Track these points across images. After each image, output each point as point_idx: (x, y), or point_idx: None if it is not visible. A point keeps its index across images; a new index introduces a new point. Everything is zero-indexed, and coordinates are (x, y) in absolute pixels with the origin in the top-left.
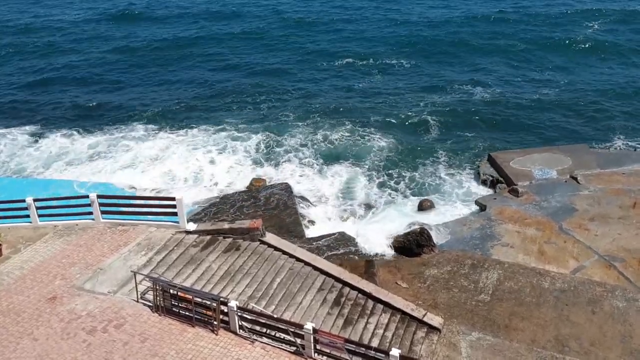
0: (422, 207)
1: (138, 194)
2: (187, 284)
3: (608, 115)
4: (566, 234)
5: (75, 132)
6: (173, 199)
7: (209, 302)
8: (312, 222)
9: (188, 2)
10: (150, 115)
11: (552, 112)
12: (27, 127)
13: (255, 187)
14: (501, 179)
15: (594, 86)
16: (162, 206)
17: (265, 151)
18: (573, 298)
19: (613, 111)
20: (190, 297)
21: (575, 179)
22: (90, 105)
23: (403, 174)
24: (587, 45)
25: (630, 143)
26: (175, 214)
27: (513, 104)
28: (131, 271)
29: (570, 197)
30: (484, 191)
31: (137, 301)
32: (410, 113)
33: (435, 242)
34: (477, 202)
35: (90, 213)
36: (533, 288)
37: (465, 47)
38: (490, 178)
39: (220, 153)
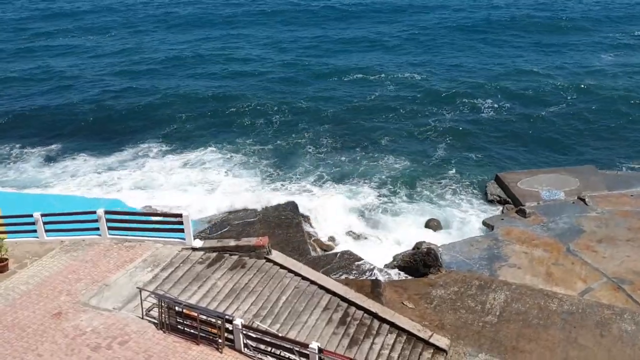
0: (429, 226)
1: (145, 210)
2: (193, 301)
3: (616, 136)
4: (574, 255)
5: (85, 149)
6: (180, 215)
7: (214, 320)
8: (318, 241)
9: (195, 17)
10: (160, 133)
11: (559, 132)
12: (37, 143)
13: (262, 205)
14: (509, 199)
15: (604, 104)
16: (168, 223)
17: (273, 169)
18: (581, 320)
19: (621, 132)
20: (196, 314)
21: (583, 200)
22: (100, 122)
23: (410, 193)
24: (602, 61)
25: (637, 165)
26: (181, 230)
27: (520, 122)
28: (137, 287)
29: (578, 218)
30: (491, 211)
31: (142, 318)
32: (419, 130)
33: (442, 262)
34: (484, 223)
35: (97, 229)
36: (540, 310)
37: (475, 59)
38: (498, 198)
39: (230, 171)
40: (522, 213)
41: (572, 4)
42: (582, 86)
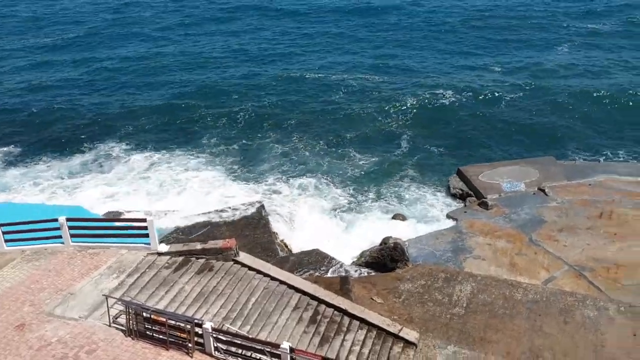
0: (395, 221)
1: (109, 216)
2: (161, 306)
3: (572, 127)
4: (536, 245)
5: (45, 154)
6: (144, 220)
7: (183, 324)
8: (285, 240)
9: (158, 20)
10: (123, 135)
11: (517, 125)
12: None
13: (229, 206)
14: (471, 192)
15: (560, 97)
16: (133, 228)
17: (240, 170)
18: (545, 309)
19: (576, 124)
20: (164, 319)
21: (543, 190)
22: (61, 126)
23: (375, 189)
24: (556, 56)
25: (593, 155)
26: (146, 235)
27: (479, 117)
28: (102, 295)
29: (539, 208)
30: (454, 205)
31: (110, 325)
32: (382, 127)
33: (408, 256)
34: (448, 216)
35: (60, 237)
36: (506, 300)
37: (434, 57)
38: (460, 192)
39: (196, 172)
40: (484, 205)
41: (527, 1)
42: (537, 81)
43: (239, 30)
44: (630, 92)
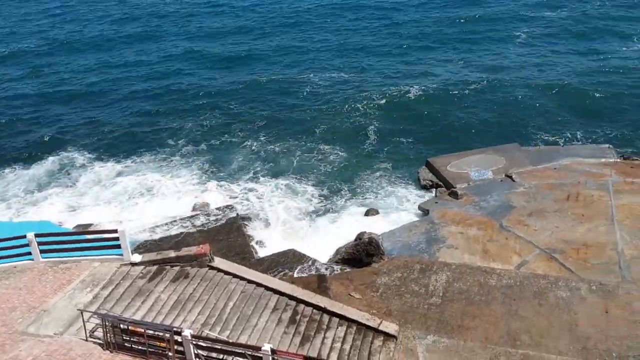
0: (369, 216)
1: (79, 229)
2: (137, 317)
3: (534, 115)
4: (507, 231)
5: (7, 167)
6: (115, 231)
7: (161, 334)
8: (260, 242)
9: (114, 25)
10: (88, 144)
11: (482, 113)
12: None
13: (200, 211)
14: (440, 182)
15: (519, 88)
16: (104, 239)
17: (208, 174)
18: (519, 293)
19: (538, 111)
20: (142, 330)
21: (510, 177)
22: (22, 137)
23: (347, 185)
24: (515, 49)
25: (555, 140)
26: (118, 246)
27: (445, 109)
28: (77, 309)
29: (507, 195)
30: (425, 196)
31: (87, 340)
32: (350, 124)
33: (383, 250)
34: (420, 207)
35: (29, 253)
36: (481, 286)
37: (401, 50)
38: (430, 183)
39: (164, 178)
40: (454, 195)
41: None
42: (497, 74)
43: (200, 33)
44: (582, 80)
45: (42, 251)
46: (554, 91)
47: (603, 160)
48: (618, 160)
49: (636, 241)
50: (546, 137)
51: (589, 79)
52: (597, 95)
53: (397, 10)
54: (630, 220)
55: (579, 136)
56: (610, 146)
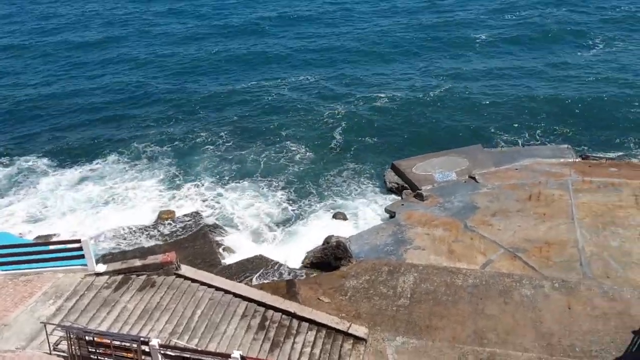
0: (336, 220)
1: (40, 239)
2: (103, 328)
3: (496, 115)
4: (472, 231)
5: None
6: (79, 241)
7: (128, 344)
8: (228, 248)
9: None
10: (48, 149)
11: (445, 116)
12: None
13: (165, 218)
14: (406, 185)
15: (481, 88)
16: (67, 250)
17: (174, 180)
18: (485, 292)
19: (500, 111)
20: (108, 341)
21: (473, 178)
22: None
23: (314, 189)
24: (475, 49)
25: (517, 139)
26: (82, 256)
27: (408, 112)
28: (40, 322)
29: (471, 195)
30: (392, 198)
31: (50, 353)
32: (317, 128)
33: (351, 253)
34: (386, 210)
35: None
36: (448, 286)
37: (364, 56)
38: (396, 185)
39: (128, 185)
40: (419, 197)
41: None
42: (460, 78)
43: (164, 39)
44: (539, 84)
45: (0, 263)
46: (513, 94)
47: (562, 160)
48: (577, 160)
49: (596, 238)
50: (507, 138)
51: (547, 83)
52: (555, 97)
53: (362, 19)
54: (589, 218)
55: (538, 137)
56: (569, 146)
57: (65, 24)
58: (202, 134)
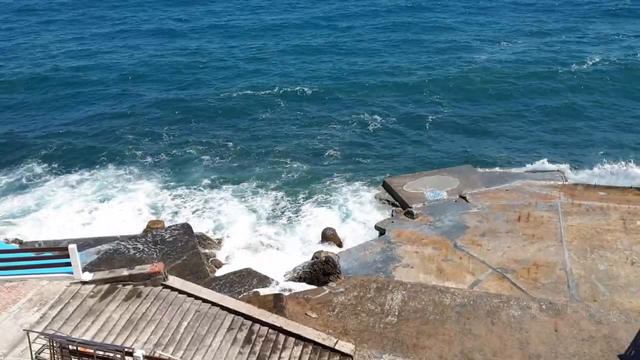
0: (325, 235)
1: (27, 245)
2: (88, 337)
3: (488, 135)
4: (461, 250)
5: None
6: (65, 248)
7: (112, 354)
8: (216, 261)
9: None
10: (37, 156)
11: (437, 135)
12: None
13: (154, 229)
14: (397, 202)
15: (475, 108)
16: (53, 257)
17: (165, 189)
18: (473, 311)
19: (493, 132)
20: (92, 351)
21: (464, 198)
22: None
23: (305, 203)
24: (470, 69)
25: (509, 161)
26: (68, 264)
27: (403, 130)
28: (23, 330)
29: (461, 215)
30: (382, 215)
31: None
32: (310, 141)
33: (340, 269)
34: (376, 227)
35: None
36: (436, 305)
37: (363, 74)
38: (387, 202)
39: (118, 194)
40: (410, 215)
41: (446, 10)
42: (452, 97)
43: (159, 46)
44: (534, 104)
45: None
46: (508, 114)
47: (552, 182)
48: (566, 183)
49: (583, 261)
50: (498, 159)
51: (542, 103)
52: (549, 119)
53: (358, 36)
54: (577, 240)
55: (529, 158)
56: (559, 169)
57: (62, 32)
58: (194, 144)
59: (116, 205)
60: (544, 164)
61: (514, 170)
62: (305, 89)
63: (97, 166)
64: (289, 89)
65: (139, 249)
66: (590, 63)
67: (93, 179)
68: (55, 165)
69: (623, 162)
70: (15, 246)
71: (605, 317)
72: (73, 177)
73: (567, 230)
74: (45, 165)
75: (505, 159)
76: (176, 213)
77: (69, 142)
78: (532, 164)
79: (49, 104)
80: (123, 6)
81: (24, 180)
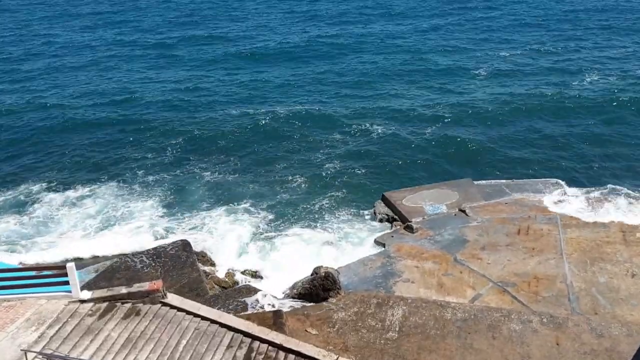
0: (325, 250)
1: (25, 265)
2: (86, 356)
3: (487, 148)
4: (461, 264)
5: None
6: (63, 267)
7: None
8: (215, 277)
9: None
10: (40, 172)
11: (436, 149)
12: None
13: (154, 246)
14: (396, 216)
15: (473, 121)
16: (51, 276)
17: (164, 206)
18: (474, 326)
19: (491, 145)
20: None
21: (463, 211)
22: None
23: (304, 218)
24: (471, 82)
25: (506, 175)
26: (67, 282)
27: (401, 144)
28: (21, 350)
29: (461, 229)
30: (381, 230)
31: None
32: (309, 156)
33: (340, 284)
34: (376, 242)
35: None
36: (437, 320)
37: (360, 84)
38: (386, 217)
39: (116, 211)
40: (409, 229)
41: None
42: (452, 111)
43: (161, 62)
44: (533, 116)
45: None
46: (506, 128)
47: (551, 195)
48: (564, 196)
49: (584, 274)
50: (497, 172)
51: (541, 116)
52: (548, 131)
53: (361, 49)
54: (577, 253)
55: (528, 171)
56: (558, 181)
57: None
58: (196, 162)
59: (116, 223)
60: (543, 177)
61: (513, 183)
62: (306, 105)
63: (98, 184)
64: (289, 106)
65: (138, 266)
66: (589, 80)
67: (93, 196)
68: (56, 183)
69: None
70: (14, 265)
71: (606, 330)
72: (75, 195)
73: (567, 243)
74: (47, 182)
75: (504, 172)
76: (176, 230)
77: (72, 160)
78: (531, 176)
79: (46, 119)
80: (123, 22)
81: (22, 198)
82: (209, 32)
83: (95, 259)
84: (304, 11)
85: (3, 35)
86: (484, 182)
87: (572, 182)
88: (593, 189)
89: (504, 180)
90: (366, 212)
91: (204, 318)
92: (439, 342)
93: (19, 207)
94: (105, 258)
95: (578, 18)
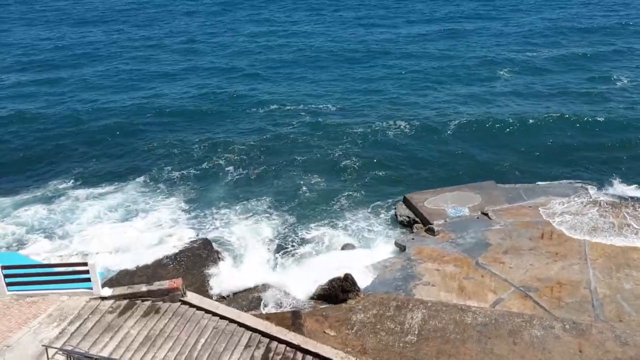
0: (345, 251)
1: (49, 261)
2: (105, 353)
3: (511, 151)
4: (483, 268)
5: None
6: (85, 264)
7: None
8: (235, 276)
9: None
10: (57, 172)
11: (460, 150)
12: None
13: (175, 244)
14: (417, 219)
15: (499, 122)
16: (73, 272)
17: (186, 205)
18: (495, 331)
19: (516, 147)
20: None
21: (486, 214)
22: None
23: (324, 219)
24: (495, 84)
25: (530, 178)
26: (88, 279)
27: (423, 145)
28: (42, 345)
29: (484, 232)
30: (402, 232)
31: None
32: (331, 155)
33: (359, 286)
34: (396, 244)
35: None
36: (457, 324)
37: (383, 85)
38: (407, 219)
39: (139, 209)
40: (431, 231)
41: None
42: (477, 111)
43: (197, 53)
44: (559, 119)
45: (8, 284)
46: (531, 130)
47: (576, 199)
48: (590, 199)
49: (608, 280)
50: (521, 175)
51: (566, 118)
52: (574, 134)
53: (386, 52)
54: (602, 259)
55: (553, 174)
56: (583, 184)
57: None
58: (220, 161)
59: (137, 219)
60: (565, 180)
61: (537, 186)
62: (329, 105)
63: (122, 182)
64: (312, 105)
65: (159, 263)
66: (619, 85)
67: (117, 193)
68: (81, 180)
69: None
70: (38, 261)
71: (631, 338)
72: (98, 191)
73: (591, 248)
74: (73, 180)
75: (528, 175)
76: (197, 228)
77: (93, 155)
78: (555, 180)
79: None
80: (151, 22)
81: (48, 194)
82: (235, 37)
83: (116, 255)
84: (329, 16)
85: (39, 39)
86: (507, 185)
87: (598, 186)
88: (618, 193)
89: (527, 183)
90: (387, 213)
91: (222, 317)
92: (458, 346)
93: (45, 202)
94: (124, 257)
95: (614, 25)
